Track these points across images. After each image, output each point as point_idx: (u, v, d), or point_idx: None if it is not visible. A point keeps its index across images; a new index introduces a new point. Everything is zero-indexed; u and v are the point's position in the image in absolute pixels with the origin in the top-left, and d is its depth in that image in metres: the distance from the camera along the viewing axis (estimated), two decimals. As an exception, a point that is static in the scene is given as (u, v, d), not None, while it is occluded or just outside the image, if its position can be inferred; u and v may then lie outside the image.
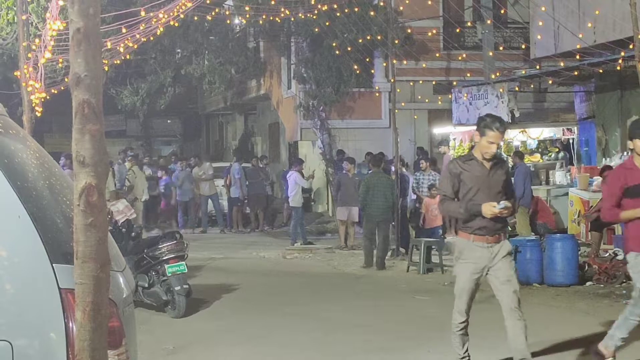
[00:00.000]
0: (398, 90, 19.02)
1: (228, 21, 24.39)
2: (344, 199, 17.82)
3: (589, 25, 16.14)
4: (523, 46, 20.62)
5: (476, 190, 6.89)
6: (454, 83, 21.93)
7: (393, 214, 16.13)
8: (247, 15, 22.04)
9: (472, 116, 18.50)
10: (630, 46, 12.68)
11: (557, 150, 20.08)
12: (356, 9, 20.97)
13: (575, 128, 19.86)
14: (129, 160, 22.03)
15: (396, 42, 20.08)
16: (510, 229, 12.31)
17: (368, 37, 21.45)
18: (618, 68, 14.73)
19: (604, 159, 17.77)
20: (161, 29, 14.53)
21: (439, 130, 22.62)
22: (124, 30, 13.49)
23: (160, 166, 24.92)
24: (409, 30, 23.00)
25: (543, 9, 17.78)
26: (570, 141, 19.92)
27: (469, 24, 24.11)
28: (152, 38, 16.78)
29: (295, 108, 24.32)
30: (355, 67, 22.43)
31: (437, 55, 23.54)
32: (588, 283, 12.52)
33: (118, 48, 14.29)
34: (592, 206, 15.24)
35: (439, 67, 23.97)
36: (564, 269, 12.41)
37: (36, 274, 3.39)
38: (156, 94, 27.85)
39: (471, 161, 7.00)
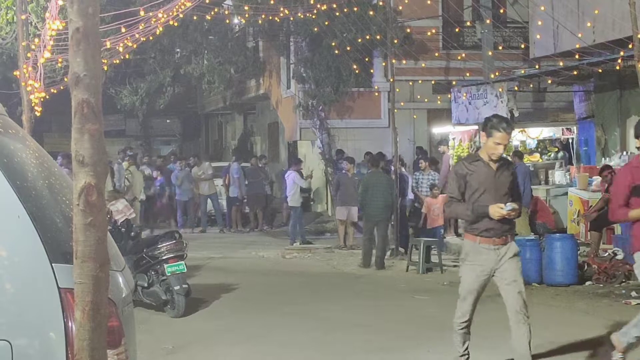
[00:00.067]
0: (397, 89, 19.02)
1: (227, 21, 24.37)
2: (343, 198, 17.83)
3: (589, 24, 16.14)
4: (522, 46, 20.62)
5: (482, 191, 6.85)
6: (453, 83, 21.93)
7: (392, 214, 16.13)
8: (247, 15, 22.05)
9: (471, 116, 18.50)
10: (630, 46, 12.68)
11: (556, 149, 20.08)
12: (355, 9, 20.97)
13: (575, 128, 19.87)
14: (126, 160, 22.07)
15: (395, 41, 20.07)
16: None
17: (367, 37, 21.45)
18: (617, 68, 14.72)
19: (603, 158, 17.76)
20: (160, 29, 14.52)
21: (438, 129, 22.63)
22: (123, 30, 13.49)
23: (156, 166, 24.92)
24: (408, 30, 22.99)
25: (542, 8, 17.77)
26: (570, 141, 19.92)
27: (468, 23, 24.11)
28: (151, 38, 16.77)
29: (295, 108, 24.32)
30: (355, 66, 22.43)
31: (437, 54, 23.54)
32: (587, 283, 12.52)
33: (117, 47, 14.29)
34: (591, 206, 15.24)
35: (438, 67, 23.97)
36: (564, 268, 12.42)
37: (36, 274, 3.38)
38: (155, 93, 27.85)
39: (477, 162, 6.95)
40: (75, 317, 3.08)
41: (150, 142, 39.59)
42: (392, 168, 17.37)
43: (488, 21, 20.76)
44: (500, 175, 6.92)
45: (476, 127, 18.29)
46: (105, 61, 14.63)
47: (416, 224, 17.26)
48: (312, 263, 16.40)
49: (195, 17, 20.93)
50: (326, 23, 21.67)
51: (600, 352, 8.17)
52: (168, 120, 40.12)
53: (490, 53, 20.71)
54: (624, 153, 16.89)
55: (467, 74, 22.71)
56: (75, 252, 3.06)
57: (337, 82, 23.40)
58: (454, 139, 19.94)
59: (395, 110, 18.49)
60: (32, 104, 12.65)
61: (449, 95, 20.38)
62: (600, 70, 15.87)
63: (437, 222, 16.38)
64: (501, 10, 21.79)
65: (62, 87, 14.37)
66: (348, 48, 21.86)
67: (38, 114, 13.12)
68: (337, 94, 23.54)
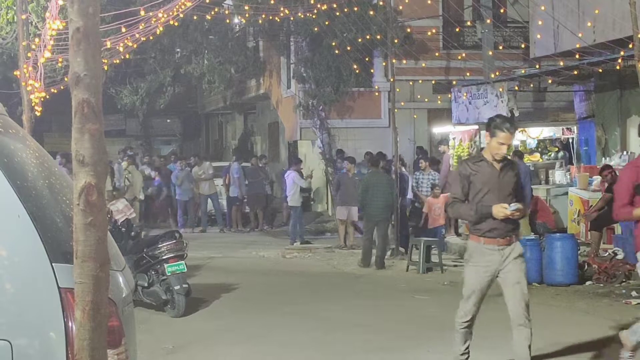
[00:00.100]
0: (397, 89, 19.02)
1: (227, 21, 24.38)
2: (343, 198, 17.83)
3: (589, 24, 16.14)
4: (523, 45, 20.61)
5: (486, 191, 6.81)
6: (454, 82, 21.92)
7: (392, 214, 16.13)
8: (247, 15, 22.05)
9: (471, 115, 18.49)
10: (630, 45, 12.67)
11: (556, 149, 20.08)
12: (355, 9, 20.97)
13: (575, 127, 19.86)
14: (125, 160, 22.11)
15: (396, 41, 20.08)
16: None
17: (367, 37, 21.45)
18: (617, 67, 14.72)
19: (603, 158, 17.76)
20: (161, 29, 14.52)
21: (438, 129, 22.62)
22: (123, 30, 13.49)
23: (154, 167, 24.93)
24: (409, 30, 23.00)
25: (543, 8, 17.77)
26: (570, 140, 19.92)
27: (468, 23, 24.11)
28: (151, 37, 16.78)
29: (295, 107, 24.32)
30: (355, 66, 22.44)
31: (437, 54, 23.54)
32: (587, 282, 12.52)
33: (118, 47, 14.30)
34: (591, 205, 15.23)
35: (439, 67, 23.97)
36: (564, 268, 12.42)
37: (36, 274, 3.38)
38: (156, 93, 27.86)
39: (481, 162, 6.92)
40: (75, 316, 3.08)
41: (150, 141, 39.58)
42: (393, 168, 17.38)
43: (488, 21, 20.76)
44: (505, 176, 6.88)
45: (476, 126, 18.29)
46: (106, 61, 14.63)
47: (417, 223, 17.27)
48: (313, 263, 16.40)
49: (195, 17, 20.94)
50: (326, 23, 21.68)
51: (600, 351, 8.18)
52: (168, 120, 40.12)
53: (490, 53, 20.71)
54: (625, 153, 16.90)
55: (468, 74, 22.70)
56: (75, 252, 3.06)
57: (338, 82, 23.41)
58: (454, 138, 19.93)
59: (396, 110, 18.48)
60: (33, 104, 12.66)
61: (449, 95, 20.37)
62: (600, 70, 15.87)
63: (438, 221, 16.40)
64: (501, 10, 21.79)
65: (62, 87, 14.38)
66: (348, 48, 21.87)
67: (38, 114, 13.13)
68: (337, 93, 23.55)
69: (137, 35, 13.88)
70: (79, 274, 3.05)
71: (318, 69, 23.29)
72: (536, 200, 16.96)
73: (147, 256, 10.93)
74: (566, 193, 17.13)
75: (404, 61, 22.13)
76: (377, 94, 24.42)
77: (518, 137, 19.37)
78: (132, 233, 11.85)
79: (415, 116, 24.17)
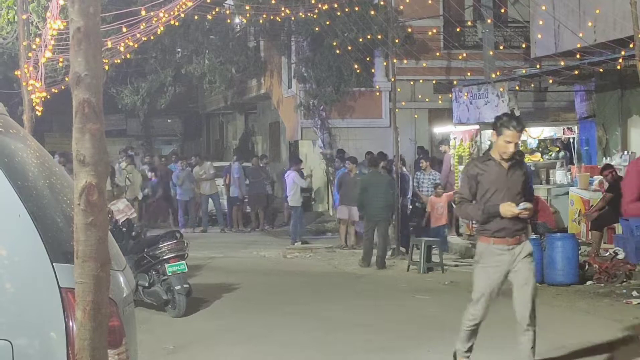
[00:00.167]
0: (398, 89, 19.02)
1: (228, 20, 24.40)
2: (344, 198, 17.83)
3: (590, 24, 16.14)
4: (523, 45, 20.61)
5: (494, 191, 6.75)
6: (455, 82, 21.92)
7: (393, 214, 16.13)
8: (248, 15, 22.05)
9: (472, 115, 18.49)
10: (631, 45, 12.67)
11: (557, 149, 20.05)
12: (356, 8, 20.97)
13: (576, 127, 19.84)
14: (123, 160, 22.15)
15: (396, 41, 20.08)
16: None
17: (368, 37, 21.45)
18: (618, 67, 14.71)
19: (604, 158, 17.76)
20: (161, 28, 14.54)
21: (439, 129, 22.62)
22: (124, 30, 13.50)
23: (151, 167, 24.94)
24: (410, 30, 22.99)
25: (543, 8, 17.77)
26: (571, 140, 19.89)
27: (469, 23, 24.09)
28: (152, 37, 16.79)
29: (296, 107, 24.32)
30: (356, 66, 22.44)
31: (438, 54, 23.54)
32: (588, 282, 12.51)
33: (118, 47, 14.31)
34: (592, 205, 15.23)
35: (440, 67, 23.97)
36: (564, 268, 12.41)
37: (36, 273, 3.38)
38: (156, 93, 27.86)
39: (489, 161, 6.86)
40: (76, 316, 3.08)
41: (151, 141, 39.58)
42: (394, 168, 17.38)
43: (489, 21, 20.76)
44: (512, 175, 6.82)
45: (477, 126, 18.30)
46: (107, 61, 14.63)
47: (417, 223, 17.28)
48: (313, 263, 16.40)
49: (196, 17, 20.97)
50: (327, 23, 21.68)
51: (601, 352, 8.18)
52: (169, 120, 40.12)
53: (491, 53, 20.71)
54: (625, 152, 16.90)
55: (469, 74, 22.70)
56: (76, 252, 3.06)
57: (338, 82, 23.41)
58: (455, 138, 19.93)
59: (397, 110, 18.48)
60: (33, 104, 12.67)
61: (450, 95, 20.37)
62: (601, 70, 15.86)
63: (440, 221, 16.41)
64: (502, 10, 21.80)
65: (63, 87, 14.40)
66: (349, 48, 21.87)
67: (39, 114, 13.14)
68: (338, 93, 23.55)
69: (138, 35, 13.89)
70: (79, 273, 3.05)
71: (319, 69, 23.29)
72: (537, 200, 16.92)
73: (148, 256, 10.94)
74: (567, 193, 17.12)
75: (405, 61, 22.13)
76: (378, 93, 24.42)
77: (518, 137, 19.33)
78: (133, 233, 11.85)
79: (416, 116, 24.17)
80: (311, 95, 23.77)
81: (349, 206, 17.64)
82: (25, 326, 3.35)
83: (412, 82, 23.90)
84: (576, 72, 16.31)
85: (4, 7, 14.40)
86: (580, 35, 16.26)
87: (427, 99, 24.05)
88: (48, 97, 13.60)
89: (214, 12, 19.19)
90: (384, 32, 20.13)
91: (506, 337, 7.54)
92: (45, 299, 3.36)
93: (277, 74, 26.32)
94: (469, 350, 7.05)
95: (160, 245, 10.87)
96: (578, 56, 16.57)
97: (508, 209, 6.63)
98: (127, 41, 13.96)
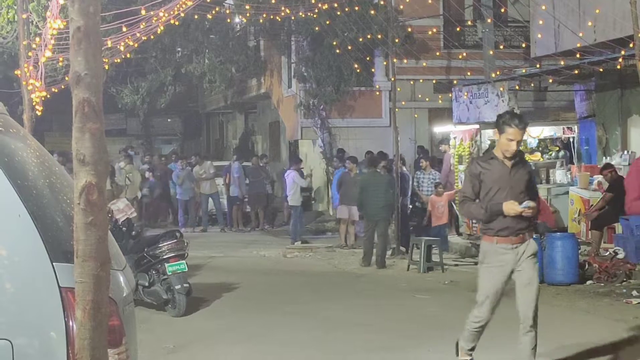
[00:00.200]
0: (398, 89, 19.03)
1: (228, 20, 24.40)
2: (345, 198, 17.83)
3: (589, 24, 16.15)
4: (523, 45, 20.62)
5: (497, 189, 6.69)
6: (455, 82, 21.93)
7: (392, 213, 16.13)
8: (248, 14, 22.06)
9: (472, 115, 18.50)
10: (631, 45, 12.67)
11: (557, 149, 20.05)
12: (356, 8, 20.97)
13: (576, 127, 19.84)
14: (123, 159, 22.18)
15: (396, 40, 20.08)
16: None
17: (368, 36, 21.46)
18: (618, 67, 14.72)
19: (604, 157, 17.76)
20: (161, 28, 14.53)
21: (439, 129, 22.62)
22: (124, 29, 13.50)
23: (150, 167, 24.95)
24: (410, 29, 23.01)
25: (543, 7, 17.78)
26: (571, 140, 19.89)
27: (469, 22, 24.11)
28: (152, 37, 16.78)
29: (296, 107, 24.33)
30: (356, 65, 22.45)
31: (438, 54, 23.54)
32: (588, 282, 12.50)
33: (118, 47, 14.31)
34: (592, 205, 15.23)
35: (440, 66, 23.97)
36: (564, 267, 12.40)
37: (36, 273, 3.38)
38: (156, 92, 27.87)
39: (492, 160, 6.81)
40: (76, 316, 3.08)
41: (151, 141, 39.60)
42: (394, 167, 17.38)
43: (489, 20, 20.76)
44: (516, 173, 6.76)
45: (477, 126, 18.30)
46: (106, 60, 14.63)
47: (418, 223, 17.27)
48: (313, 262, 16.40)
49: (196, 16, 20.97)
50: (327, 22, 21.69)
51: (601, 352, 8.18)
52: (169, 120, 40.13)
53: (491, 52, 20.72)
54: (625, 152, 16.90)
55: (468, 73, 22.71)
56: (76, 251, 3.06)
57: (338, 81, 23.42)
58: (455, 138, 19.92)
59: (397, 110, 18.49)
60: (33, 103, 12.67)
61: (450, 95, 20.38)
62: (601, 70, 15.87)
63: (441, 220, 16.42)
64: (502, 10, 21.82)
65: (63, 86, 14.40)
66: (349, 47, 21.88)
67: (39, 113, 13.14)
68: (338, 93, 23.56)
69: (137, 35, 13.89)
70: (79, 273, 3.05)
71: (319, 69, 23.31)
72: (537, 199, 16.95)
73: (148, 255, 10.93)
74: (567, 192, 17.13)
75: (405, 60, 22.14)
76: (378, 93, 24.43)
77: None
78: (133, 232, 11.85)
79: (416, 115, 24.18)
80: (311, 95, 23.78)
81: (349, 206, 17.64)
82: (25, 326, 3.35)
83: (412, 82, 23.91)
84: (576, 72, 16.32)
85: (4, 6, 14.39)
86: (580, 34, 16.26)
87: (427, 99, 24.06)
88: (48, 96, 13.60)
89: (214, 12, 19.20)
90: (384, 31, 20.13)
91: (507, 337, 7.53)
92: (45, 299, 3.36)
93: (277, 74, 26.32)
94: (472, 349, 7.04)
95: (160, 245, 10.87)
96: (578, 56, 16.57)
97: (511, 207, 6.58)
98: (127, 40, 13.96)
